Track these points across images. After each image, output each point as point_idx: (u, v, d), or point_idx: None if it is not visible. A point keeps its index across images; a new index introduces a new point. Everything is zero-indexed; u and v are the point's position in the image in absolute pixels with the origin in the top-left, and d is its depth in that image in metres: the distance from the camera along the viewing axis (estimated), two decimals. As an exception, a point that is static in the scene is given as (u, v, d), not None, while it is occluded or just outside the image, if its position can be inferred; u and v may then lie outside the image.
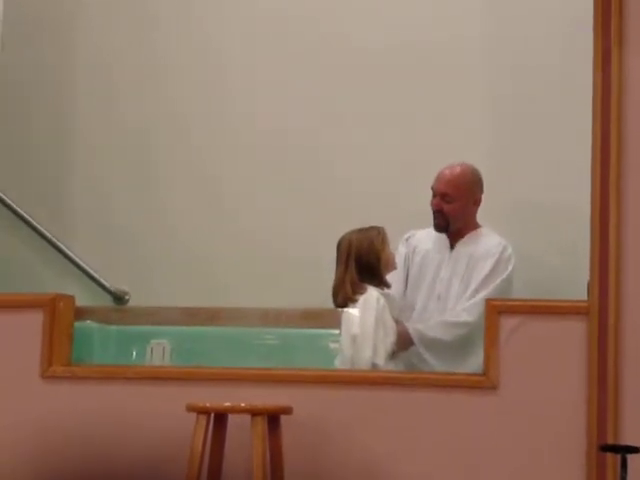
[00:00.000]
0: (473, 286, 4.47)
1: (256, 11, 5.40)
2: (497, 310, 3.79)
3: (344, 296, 4.39)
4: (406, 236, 4.72)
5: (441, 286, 4.55)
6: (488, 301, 3.87)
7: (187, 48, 5.47)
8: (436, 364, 4.38)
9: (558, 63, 4.93)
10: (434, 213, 4.59)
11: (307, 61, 5.30)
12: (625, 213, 3.74)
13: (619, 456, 3.21)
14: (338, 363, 4.35)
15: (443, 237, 4.64)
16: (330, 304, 4.51)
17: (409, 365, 4.41)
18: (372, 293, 4.34)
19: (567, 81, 4.81)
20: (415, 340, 4.42)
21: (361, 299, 4.34)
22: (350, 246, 4.41)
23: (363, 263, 4.39)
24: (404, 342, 4.40)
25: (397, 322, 4.39)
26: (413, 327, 4.46)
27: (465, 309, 4.43)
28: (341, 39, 5.26)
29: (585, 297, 3.78)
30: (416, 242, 4.69)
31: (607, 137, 3.74)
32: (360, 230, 4.44)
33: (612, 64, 3.75)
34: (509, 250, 4.52)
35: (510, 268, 4.50)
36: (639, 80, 3.76)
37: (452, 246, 4.62)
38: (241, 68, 5.40)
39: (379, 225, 4.44)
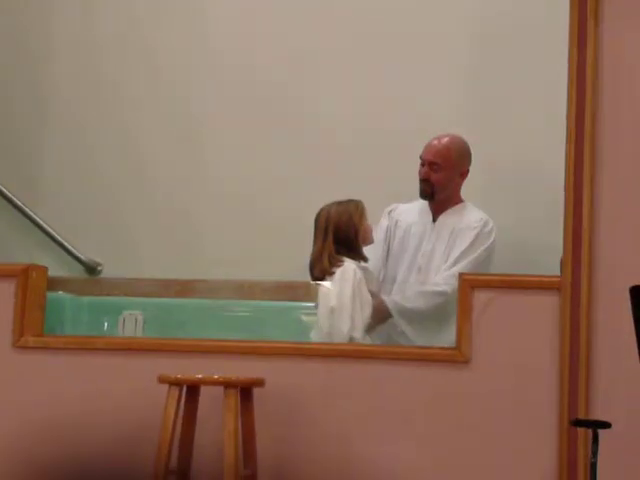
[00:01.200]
0: (453, 257, 4.49)
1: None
2: (470, 284, 3.80)
3: (321, 269, 4.39)
4: (388, 209, 4.73)
5: (423, 258, 4.56)
6: (461, 275, 3.87)
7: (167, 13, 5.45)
8: (414, 336, 4.39)
9: (536, 34, 4.93)
10: (421, 182, 4.61)
11: (298, 20, 5.29)
12: (599, 188, 3.75)
13: (590, 431, 3.22)
14: (314, 336, 4.36)
15: (426, 210, 4.65)
16: (304, 277, 4.51)
17: (387, 338, 4.42)
18: (349, 266, 4.35)
19: (544, 52, 4.80)
20: (393, 312, 4.43)
21: (338, 272, 4.34)
22: (328, 219, 4.41)
23: (341, 236, 4.40)
24: (381, 314, 4.41)
25: (374, 295, 4.40)
26: (390, 299, 4.47)
27: (443, 278, 4.44)
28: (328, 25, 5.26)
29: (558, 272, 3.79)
30: (398, 215, 4.70)
31: (582, 111, 3.74)
32: (339, 203, 4.44)
33: (587, 36, 3.75)
34: (490, 225, 4.55)
35: (490, 242, 4.52)
36: (614, 51, 3.77)
37: (434, 219, 4.64)
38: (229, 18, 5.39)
39: (357, 199, 4.45)
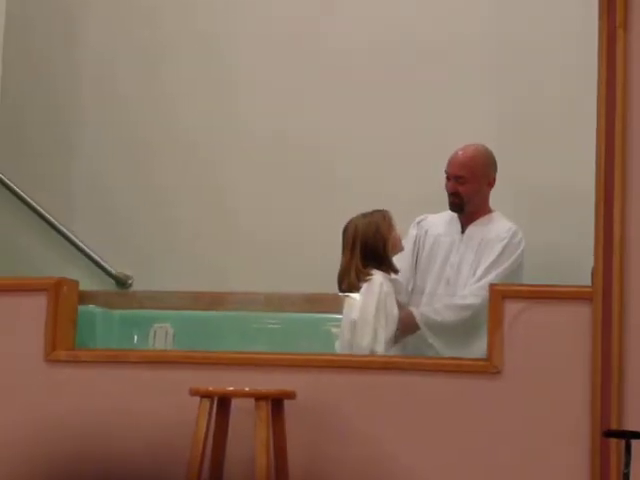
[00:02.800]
0: (481, 269, 4.47)
1: (257, 12, 5.39)
2: (501, 295, 3.78)
3: (348, 283, 4.39)
4: (418, 219, 4.72)
5: (451, 270, 4.55)
6: (492, 286, 3.86)
7: (190, 38, 5.47)
8: (442, 348, 4.38)
9: (565, 47, 4.92)
10: (449, 195, 4.59)
11: (308, 50, 5.30)
12: (630, 198, 3.73)
13: (623, 441, 3.20)
14: (338, 348, 4.35)
15: (455, 221, 4.64)
16: (333, 289, 4.51)
17: (414, 350, 4.41)
18: (377, 279, 4.34)
19: (575, 65, 4.79)
20: (421, 324, 4.42)
21: (365, 285, 4.34)
22: (356, 231, 4.40)
23: (369, 248, 4.38)
24: (409, 326, 4.40)
25: (402, 307, 4.39)
26: (418, 311, 4.46)
27: (472, 292, 4.42)
28: (341, 35, 5.25)
29: (590, 282, 3.77)
30: (428, 225, 4.69)
31: (612, 120, 3.73)
32: (365, 215, 4.44)
33: (617, 46, 3.73)
34: (519, 235, 4.52)
35: (519, 252, 4.49)
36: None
37: (463, 230, 4.62)
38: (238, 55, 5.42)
39: (383, 209, 4.44)
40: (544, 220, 4.87)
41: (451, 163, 4.58)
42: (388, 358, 4.07)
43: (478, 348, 4.21)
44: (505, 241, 4.50)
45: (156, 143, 5.46)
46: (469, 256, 4.54)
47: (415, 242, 4.65)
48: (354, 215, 4.48)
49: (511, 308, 3.77)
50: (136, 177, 5.46)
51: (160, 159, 5.46)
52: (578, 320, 3.71)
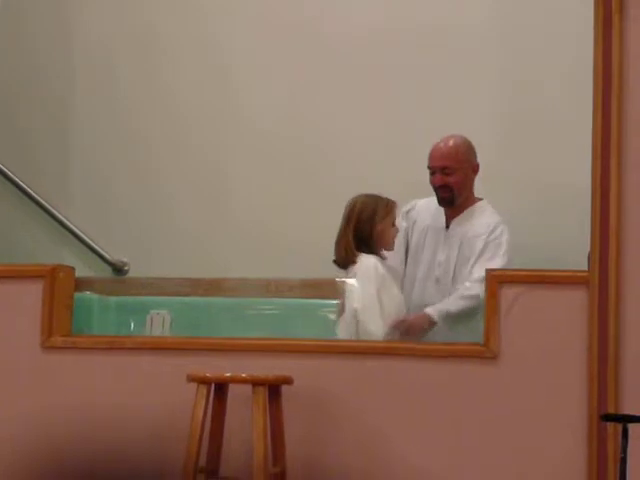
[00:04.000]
0: (470, 267, 4.45)
1: (256, 5, 5.38)
2: (497, 280, 3.79)
3: (339, 256, 4.40)
4: (406, 209, 4.69)
5: (439, 269, 4.52)
6: (489, 271, 3.86)
7: (189, 30, 5.46)
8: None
9: (566, 40, 4.91)
10: (438, 189, 4.55)
11: (311, 37, 5.30)
12: (625, 183, 3.73)
13: (620, 425, 3.21)
14: (340, 333, 4.35)
15: (440, 213, 4.60)
16: (331, 274, 4.51)
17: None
18: (368, 261, 4.32)
19: (572, 62, 4.78)
20: (439, 320, 4.38)
21: (359, 268, 4.32)
22: (354, 208, 4.40)
23: (360, 228, 4.38)
24: (424, 325, 4.38)
25: (418, 315, 4.38)
26: (434, 308, 4.41)
27: (473, 283, 4.38)
28: (341, 26, 5.25)
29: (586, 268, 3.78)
30: (416, 215, 4.66)
31: (608, 111, 3.73)
32: (371, 195, 4.42)
33: (613, 32, 3.73)
34: (499, 229, 4.48)
35: (504, 248, 4.45)
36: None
37: (448, 224, 4.59)
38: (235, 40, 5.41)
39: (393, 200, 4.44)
40: (543, 213, 4.89)
41: (434, 156, 4.54)
42: (385, 343, 4.08)
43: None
44: (484, 237, 4.46)
45: (152, 129, 5.45)
46: (453, 255, 4.51)
47: (405, 233, 4.64)
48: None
49: (507, 293, 3.77)
50: (132, 163, 5.46)
51: (157, 145, 5.45)
52: (574, 305, 3.72)
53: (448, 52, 5.12)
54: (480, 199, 4.60)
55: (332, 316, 4.66)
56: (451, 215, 4.59)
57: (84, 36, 5.57)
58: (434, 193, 4.60)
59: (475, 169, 4.57)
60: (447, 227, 4.59)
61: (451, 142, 4.55)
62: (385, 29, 5.19)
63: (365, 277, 4.32)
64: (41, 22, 5.59)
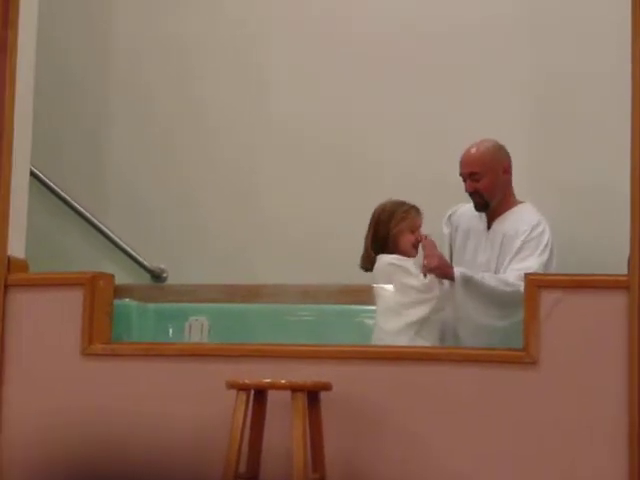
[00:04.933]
0: (504, 265, 4.44)
1: (285, 2, 5.41)
2: (537, 284, 3.76)
3: (361, 259, 4.40)
4: (448, 213, 4.71)
5: (480, 269, 4.50)
6: (528, 276, 3.84)
7: (218, 34, 5.50)
8: (471, 312, 4.34)
9: (601, 41, 4.90)
10: (471, 195, 4.55)
11: (343, 34, 5.31)
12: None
13: (661, 431, 3.19)
14: (375, 338, 4.35)
15: (482, 216, 4.61)
16: (368, 280, 4.51)
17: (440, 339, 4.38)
18: (381, 261, 4.34)
19: (609, 59, 4.76)
20: (457, 279, 4.33)
21: (375, 269, 4.33)
22: (375, 212, 4.43)
23: (377, 231, 4.40)
24: (445, 275, 4.35)
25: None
26: (459, 269, 4.37)
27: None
28: (377, 19, 5.26)
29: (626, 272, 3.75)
30: (458, 220, 4.66)
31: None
32: (395, 201, 4.43)
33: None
34: (539, 228, 4.46)
35: (544, 243, 4.44)
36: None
37: (489, 226, 4.59)
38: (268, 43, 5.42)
39: (417, 207, 4.43)
40: (582, 213, 4.86)
41: (462, 163, 4.55)
42: (424, 349, 4.06)
43: (500, 331, 4.25)
44: (524, 235, 4.44)
45: (187, 137, 5.49)
46: (494, 253, 4.50)
47: (448, 240, 4.66)
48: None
49: (547, 298, 3.74)
50: (169, 171, 5.49)
51: (192, 153, 5.49)
52: (614, 309, 3.69)
53: (482, 51, 5.13)
54: (522, 202, 4.59)
55: (370, 322, 4.66)
56: (492, 217, 4.59)
57: (117, 45, 5.62)
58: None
59: (506, 169, 4.56)
60: (488, 228, 4.59)
61: (476, 148, 4.55)
62: (417, 28, 5.20)
63: (384, 278, 4.33)
64: (75, 34, 5.67)
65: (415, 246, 4.41)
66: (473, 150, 4.55)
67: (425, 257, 4.35)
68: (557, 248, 4.49)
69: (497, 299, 4.34)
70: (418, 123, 5.18)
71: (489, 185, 4.52)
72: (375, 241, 4.39)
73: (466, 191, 4.55)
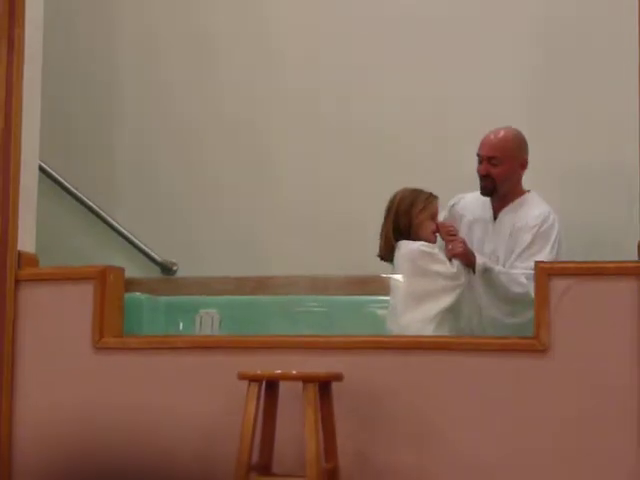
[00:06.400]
0: (512, 259, 4.43)
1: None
2: (547, 272, 3.76)
3: (380, 247, 4.39)
4: (451, 203, 4.69)
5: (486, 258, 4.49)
6: (538, 264, 3.83)
7: (233, 17, 5.49)
8: (486, 304, 4.34)
9: (603, 21, 4.89)
10: (481, 178, 4.53)
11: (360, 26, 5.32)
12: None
13: (673, 417, 3.18)
14: (390, 326, 4.33)
15: (487, 206, 4.59)
16: (377, 271, 4.51)
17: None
18: (408, 247, 4.32)
19: (613, 42, 4.76)
20: (478, 271, 4.34)
21: (397, 256, 4.32)
22: (394, 200, 4.41)
23: (398, 220, 4.38)
24: (469, 263, 4.34)
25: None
26: (483, 260, 4.37)
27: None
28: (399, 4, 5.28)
29: (636, 258, 3.75)
30: (462, 210, 4.64)
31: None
32: (413, 189, 4.42)
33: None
34: (550, 219, 4.46)
35: (553, 238, 4.43)
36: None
37: (495, 215, 4.58)
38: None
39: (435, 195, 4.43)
40: (590, 198, 4.86)
41: (483, 144, 4.53)
42: (435, 338, 4.05)
43: (509, 328, 4.26)
44: (535, 229, 4.44)
45: (199, 130, 5.49)
46: (502, 244, 4.49)
47: None
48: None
49: (557, 285, 3.74)
50: (179, 165, 5.49)
51: (203, 146, 5.49)
52: (625, 296, 3.68)
53: (479, 42, 5.14)
54: (528, 191, 4.58)
55: (380, 312, 4.65)
56: (498, 207, 4.57)
57: (130, 37, 5.62)
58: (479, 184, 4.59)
59: (523, 164, 4.55)
60: (495, 219, 4.58)
61: (502, 133, 4.53)
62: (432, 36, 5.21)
63: (403, 265, 4.32)
64: (87, 24, 5.66)
65: (435, 233, 4.41)
66: (499, 135, 4.53)
67: (448, 242, 4.35)
68: (564, 234, 4.49)
69: (510, 297, 4.35)
70: (424, 121, 5.18)
71: (504, 173, 4.51)
72: (396, 230, 4.38)
73: (478, 172, 4.53)
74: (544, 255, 4.37)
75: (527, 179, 4.59)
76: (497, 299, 4.35)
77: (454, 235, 4.38)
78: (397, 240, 4.36)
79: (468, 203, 4.67)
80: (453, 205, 4.69)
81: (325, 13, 5.37)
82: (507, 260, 4.46)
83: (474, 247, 4.49)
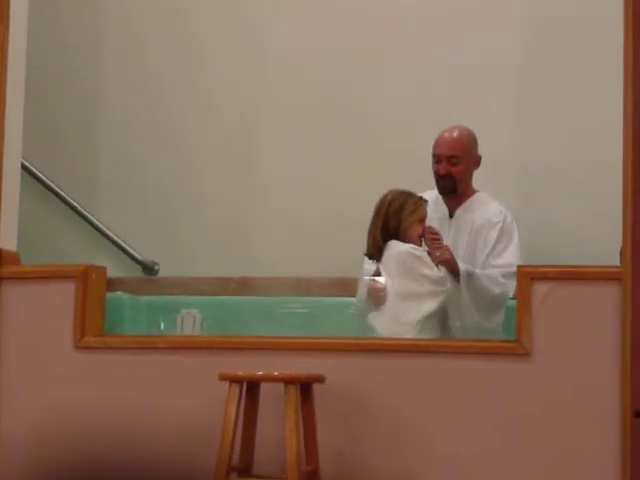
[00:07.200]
0: (482, 258, 4.44)
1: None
2: (529, 276, 3.77)
3: (367, 248, 4.40)
4: None
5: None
6: (520, 268, 3.84)
7: (219, 16, 5.48)
8: (466, 309, 4.35)
9: (591, 23, 4.91)
10: (441, 177, 4.54)
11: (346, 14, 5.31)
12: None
13: (654, 421, 3.19)
14: (380, 327, 4.33)
15: (441, 205, 4.61)
16: (361, 272, 4.50)
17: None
18: (397, 249, 4.33)
19: (598, 42, 4.77)
20: (462, 276, 4.34)
21: (386, 256, 4.32)
22: (384, 201, 4.42)
23: (387, 221, 4.39)
24: (451, 269, 4.34)
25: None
26: (465, 266, 4.38)
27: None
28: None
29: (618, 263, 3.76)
30: None
31: (639, 96, 3.69)
32: (403, 191, 4.42)
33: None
34: (509, 217, 4.51)
35: (516, 234, 4.48)
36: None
37: (451, 214, 4.59)
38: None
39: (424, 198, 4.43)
40: (572, 201, 4.87)
41: (440, 143, 4.54)
42: (416, 341, 4.06)
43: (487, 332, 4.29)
44: (499, 226, 4.47)
45: (184, 129, 5.49)
46: (461, 242, 4.51)
47: None
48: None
49: (539, 289, 3.75)
50: (163, 164, 5.48)
51: (187, 145, 5.48)
52: (607, 300, 3.69)
53: (466, 42, 5.14)
54: (477, 190, 4.60)
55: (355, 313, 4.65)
56: (453, 205, 4.60)
57: (116, 34, 5.60)
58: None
59: (477, 162, 4.59)
60: (451, 217, 4.58)
61: (458, 132, 4.56)
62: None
63: (393, 265, 4.32)
64: (70, 17, 5.63)
65: (421, 237, 4.41)
66: (455, 133, 4.55)
67: (434, 249, 4.35)
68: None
69: (488, 299, 4.36)
70: (407, 121, 5.18)
71: (463, 171, 4.54)
72: (385, 231, 4.38)
73: (438, 172, 4.54)
74: (513, 249, 4.43)
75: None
76: (480, 302, 4.36)
77: (439, 241, 4.38)
78: (385, 240, 4.37)
79: None
80: None
81: (312, 13, 5.36)
82: (469, 257, 4.46)
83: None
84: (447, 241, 4.49)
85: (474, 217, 4.53)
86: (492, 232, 4.48)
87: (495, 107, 5.02)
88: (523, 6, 5.10)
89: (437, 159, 4.54)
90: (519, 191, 4.87)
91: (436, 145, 4.54)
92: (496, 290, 4.37)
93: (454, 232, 4.54)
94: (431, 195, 4.59)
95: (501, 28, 5.13)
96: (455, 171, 4.52)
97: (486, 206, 4.56)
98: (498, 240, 4.47)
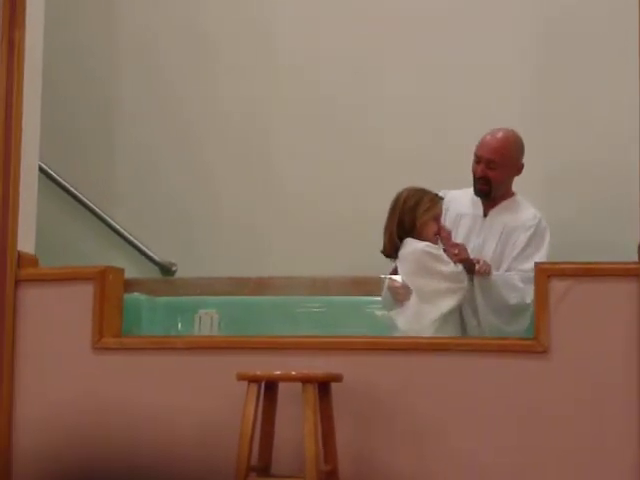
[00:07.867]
0: (509, 261, 4.42)
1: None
2: (547, 273, 3.76)
3: (383, 244, 4.39)
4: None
5: (472, 253, 4.46)
6: (537, 265, 3.83)
7: (234, 12, 5.48)
8: (483, 310, 4.33)
9: (603, 21, 4.89)
10: (478, 179, 4.50)
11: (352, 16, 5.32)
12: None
13: (673, 418, 3.18)
14: (401, 324, 4.32)
15: (477, 203, 4.58)
16: (378, 271, 4.50)
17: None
18: (413, 246, 4.32)
19: (613, 37, 4.76)
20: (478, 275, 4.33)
21: (402, 253, 4.32)
22: (399, 198, 4.40)
23: (403, 218, 4.37)
24: (472, 263, 4.31)
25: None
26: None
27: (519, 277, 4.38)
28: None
29: (636, 259, 3.74)
30: (448, 202, 4.56)
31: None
32: (418, 188, 4.40)
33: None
34: (543, 223, 4.46)
35: (547, 240, 4.43)
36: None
37: (485, 213, 4.57)
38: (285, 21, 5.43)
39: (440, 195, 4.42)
40: (590, 198, 4.86)
41: (483, 146, 4.48)
42: (435, 339, 4.05)
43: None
44: (531, 230, 4.44)
45: (199, 130, 5.50)
46: (491, 241, 4.47)
47: None
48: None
49: (557, 287, 3.74)
50: (179, 165, 5.50)
51: (203, 146, 5.49)
52: (625, 297, 3.68)
53: (481, 40, 5.14)
54: (515, 193, 4.57)
55: (379, 313, 4.64)
56: (488, 206, 4.55)
57: (131, 37, 5.62)
58: (471, 182, 4.57)
59: (520, 169, 4.52)
60: (485, 215, 4.57)
61: (501, 136, 4.48)
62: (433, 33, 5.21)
63: (408, 263, 4.32)
64: (86, 20, 5.65)
65: (437, 235, 4.40)
66: (498, 137, 4.48)
67: (451, 246, 4.33)
68: (562, 234, 4.48)
69: (505, 304, 4.33)
70: (422, 118, 5.18)
71: (501, 177, 4.49)
72: (401, 228, 4.37)
73: (475, 173, 4.51)
74: (542, 255, 4.36)
75: (526, 178, 4.59)
76: (495, 305, 4.34)
77: (455, 241, 4.36)
78: (400, 237, 4.36)
79: (454, 198, 4.62)
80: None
81: (325, 13, 5.36)
82: (497, 259, 4.43)
83: (458, 240, 4.47)
84: (477, 240, 4.48)
85: (507, 219, 4.49)
86: (523, 236, 4.43)
87: (495, 107, 5.00)
88: (524, 6, 5.09)
89: (477, 159, 4.50)
90: (536, 189, 4.84)
91: (479, 145, 4.50)
92: (512, 300, 4.33)
93: (486, 232, 4.51)
94: (469, 191, 4.57)
95: (502, 28, 5.12)
96: (492, 175, 4.47)
97: (521, 209, 4.51)
98: (528, 244, 4.42)
